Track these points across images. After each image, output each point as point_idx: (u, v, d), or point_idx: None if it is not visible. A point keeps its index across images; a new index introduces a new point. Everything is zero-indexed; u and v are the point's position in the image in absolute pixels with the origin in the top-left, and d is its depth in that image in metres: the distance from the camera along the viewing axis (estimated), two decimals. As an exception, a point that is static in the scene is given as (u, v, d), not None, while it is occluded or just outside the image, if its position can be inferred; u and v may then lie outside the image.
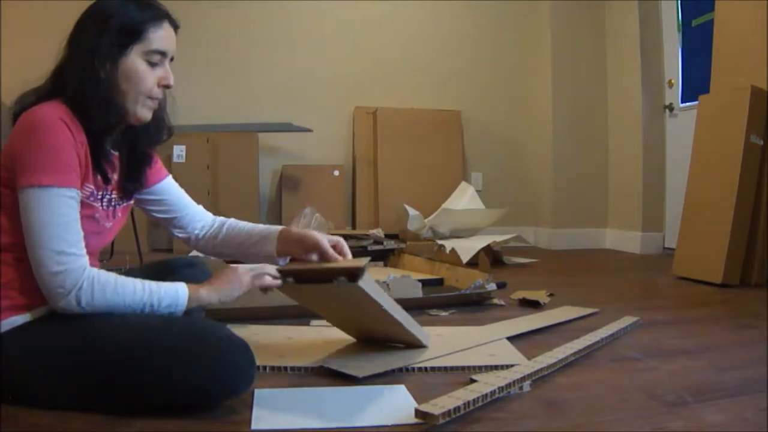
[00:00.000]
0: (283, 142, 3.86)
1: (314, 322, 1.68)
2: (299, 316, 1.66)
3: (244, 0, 3.77)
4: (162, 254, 3.19)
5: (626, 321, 1.71)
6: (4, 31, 3.39)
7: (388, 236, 3.19)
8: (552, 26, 4.00)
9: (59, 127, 1.00)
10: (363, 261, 1.21)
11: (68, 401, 0.99)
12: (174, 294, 1.06)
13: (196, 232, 1.35)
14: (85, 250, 1.01)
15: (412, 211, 3.30)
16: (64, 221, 0.99)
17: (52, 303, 0.99)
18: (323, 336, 1.52)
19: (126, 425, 0.95)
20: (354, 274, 1.12)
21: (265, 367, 1.25)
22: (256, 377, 1.05)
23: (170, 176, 1.34)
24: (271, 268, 1.18)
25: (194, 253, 2.78)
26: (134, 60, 1.08)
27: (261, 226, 1.34)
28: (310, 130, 3.63)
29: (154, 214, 1.33)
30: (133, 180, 1.20)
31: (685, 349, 1.50)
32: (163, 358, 0.97)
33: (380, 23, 4.02)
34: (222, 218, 1.39)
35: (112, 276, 1.03)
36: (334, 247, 1.25)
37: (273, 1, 3.83)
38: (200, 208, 1.38)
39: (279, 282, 1.17)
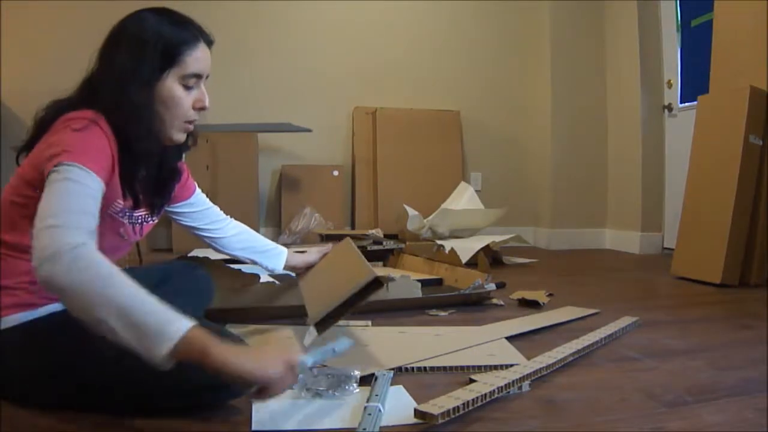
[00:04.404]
0: (283, 142, 3.86)
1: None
2: (299, 315, 1.66)
3: (244, 0, 3.76)
4: (162, 254, 3.18)
5: (625, 321, 1.71)
6: (4, 31, 3.39)
7: (388, 236, 3.19)
8: (551, 26, 4.00)
9: (97, 130, 0.97)
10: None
11: (67, 402, 0.99)
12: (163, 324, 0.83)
13: (222, 235, 1.44)
14: (88, 230, 0.87)
15: (411, 211, 3.30)
16: (76, 194, 0.88)
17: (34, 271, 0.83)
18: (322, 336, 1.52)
19: (126, 425, 0.95)
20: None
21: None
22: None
23: (197, 187, 1.40)
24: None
25: (194, 253, 2.78)
26: (171, 85, 1.06)
27: (268, 241, 1.55)
28: (309, 130, 3.63)
29: (185, 222, 1.40)
30: (162, 196, 1.20)
31: (684, 349, 1.51)
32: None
33: (380, 23, 4.02)
34: (236, 222, 1.50)
35: (108, 269, 0.84)
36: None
37: (272, 1, 3.83)
38: (216, 207, 1.45)
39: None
